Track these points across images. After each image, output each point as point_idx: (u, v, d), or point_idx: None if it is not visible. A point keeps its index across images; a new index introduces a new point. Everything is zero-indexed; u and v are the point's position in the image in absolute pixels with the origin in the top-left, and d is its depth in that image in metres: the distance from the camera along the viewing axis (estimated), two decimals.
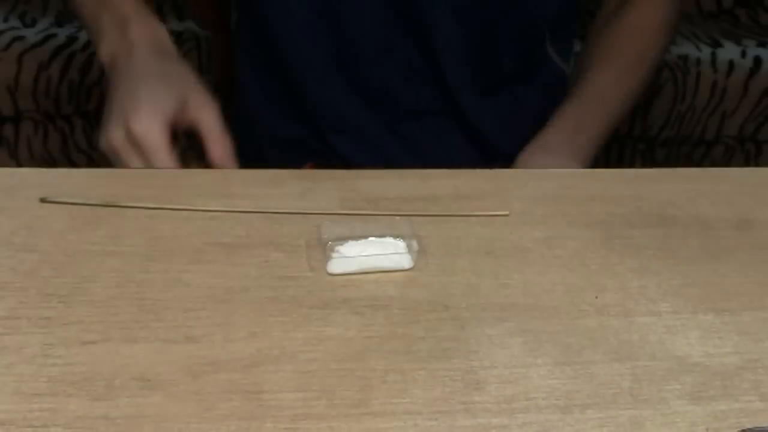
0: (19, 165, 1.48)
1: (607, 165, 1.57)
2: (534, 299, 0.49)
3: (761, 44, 1.53)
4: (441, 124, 0.81)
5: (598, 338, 0.47)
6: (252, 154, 0.80)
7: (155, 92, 0.63)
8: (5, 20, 1.43)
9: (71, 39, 1.40)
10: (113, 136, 0.61)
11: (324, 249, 0.51)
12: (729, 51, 1.51)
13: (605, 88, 0.80)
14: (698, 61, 1.49)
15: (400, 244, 0.51)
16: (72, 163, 1.49)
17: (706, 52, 1.50)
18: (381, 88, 0.79)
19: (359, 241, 0.51)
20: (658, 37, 0.84)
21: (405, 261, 0.51)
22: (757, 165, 1.59)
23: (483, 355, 0.45)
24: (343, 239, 0.51)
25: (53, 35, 1.40)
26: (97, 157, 1.50)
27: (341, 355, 0.44)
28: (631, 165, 1.58)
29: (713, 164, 1.59)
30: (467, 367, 0.44)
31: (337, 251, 0.51)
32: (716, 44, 1.53)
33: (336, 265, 0.50)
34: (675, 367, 0.45)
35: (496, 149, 0.82)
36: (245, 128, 0.88)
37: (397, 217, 0.55)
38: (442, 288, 0.50)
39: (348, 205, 0.56)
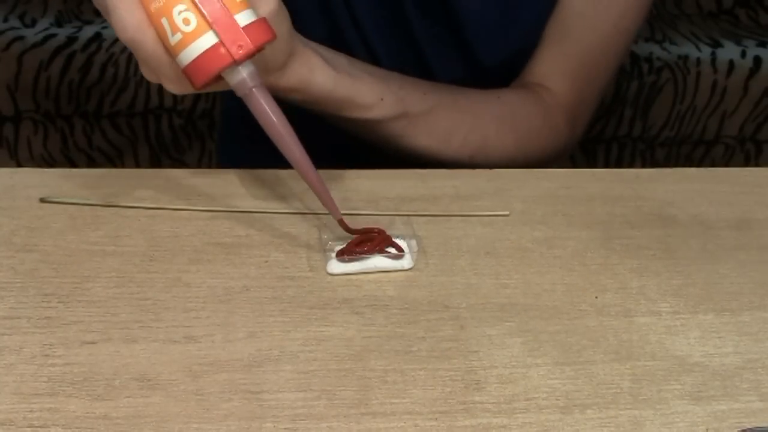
0: (19, 165, 1.48)
1: (607, 165, 1.57)
2: (534, 299, 0.49)
3: (761, 44, 1.53)
4: None
5: (598, 338, 0.47)
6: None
7: None
8: (5, 20, 1.43)
9: (71, 39, 1.40)
10: None
11: (324, 249, 0.51)
12: (729, 51, 1.51)
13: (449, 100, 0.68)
14: (698, 61, 1.49)
15: (399, 244, 0.51)
16: (72, 163, 1.49)
17: (706, 52, 1.50)
18: None
19: None
20: (524, 134, 0.70)
21: (405, 261, 0.51)
22: (757, 165, 1.59)
23: (483, 355, 0.45)
24: (343, 239, 0.51)
25: (53, 35, 1.40)
26: (97, 157, 1.50)
27: (341, 355, 0.44)
28: (631, 165, 1.58)
29: (713, 164, 1.59)
30: (467, 367, 0.44)
31: (337, 251, 0.50)
32: (716, 44, 1.53)
33: (336, 266, 0.50)
34: (675, 367, 0.45)
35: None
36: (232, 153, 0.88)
37: (397, 217, 0.55)
38: (442, 288, 0.50)
39: (348, 205, 0.56)
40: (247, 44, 0.45)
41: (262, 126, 0.49)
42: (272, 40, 0.47)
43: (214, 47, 0.45)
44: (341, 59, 0.60)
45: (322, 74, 0.56)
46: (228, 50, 0.45)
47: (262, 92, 0.48)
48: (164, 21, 0.45)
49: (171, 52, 0.46)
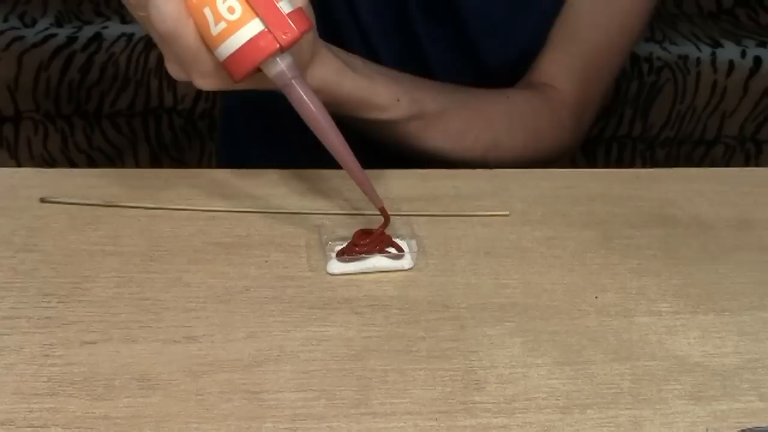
0: (19, 165, 1.48)
1: (607, 165, 1.57)
2: (534, 299, 0.49)
3: (761, 44, 1.53)
4: None
5: (598, 338, 0.47)
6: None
7: None
8: (5, 20, 1.42)
9: (71, 39, 1.39)
10: None
11: (324, 249, 0.51)
12: (729, 51, 1.51)
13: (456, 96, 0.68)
14: (698, 61, 1.49)
15: (399, 244, 0.51)
16: (72, 163, 1.49)
17: (706, 52, 1.50)
18: None
19: None
20: (530, 133, 0.71)
21: (405, 261, 0.51)
22: (757, 165, 1.59)
23: (483, 355, 0.45)
24: (343, 239, 0.51)
25: (53, 35, 1.40)
26: (97, 157, 1.50)
27: (341, 355, 0.44)
28: (631, 165, 1.58)
29: (713, 164, 1.59)
30: (467, 367, 0.44)
31: (337, 251, 0.50)
32: (716, 44, 1.52)
33: (336, 266, 0.50)
34: (675, 367, 0.45)
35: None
36: (233, 152, 0.88)
37: (397, 217, 0.55)
38: (442, 288, 0.50)
39: (348, 205, 0.56)
40: (293, 31, 0.45)
41: (302, 117, 0.48)
42: (310, 30, 0.47)
43: (260, 35, 0.45)
44: (357, 61, 0.60)
45: (342, 76, 0.57)
46: (275, 37, 0.45)
47: (301, 83, 0.48)
48: (207, 10, 0.45)
49: (210, 45, 0.46)
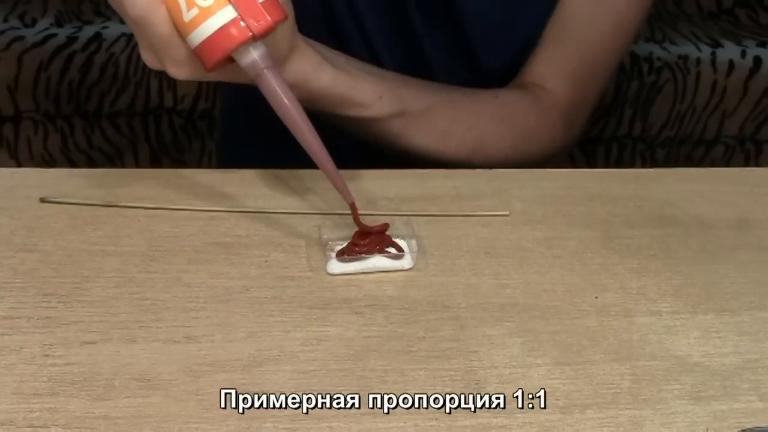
0: (19, 165, 1.48)
1: (607, 165, 1.57)
2: (534, 299, 0.49)
3: (761, 44, 1.53)
4: None
5: (598, 338, 0.47)
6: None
7: None
8: (5, 20, 1.42)
9: (71, 39, 1.39)
10: None
11: (324, 249, 0.51)
12: (729, 51, 1.51)
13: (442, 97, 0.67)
14: (698, 61, 1.49)
15: (399, 244, 0.51)
16: (72, 163, 1.49)
17: (706, 52, 1.50)
18: None
19: None
20: (521, 133, 0.70)
21: (405, 261, 0.51)
22: (757, 165, 1.59)
23: (483, 355, 0.45)
24: (343, 239, 0.51)
25: (53, 35, 1.40)
26: (97, 157, 1.50)
27: (341, 355, 0.44)
28: (631, 165, 1.58)
29: (713, 164, 1.59)
30: (467, 367, 0.44)
31: (337, 251, 0.50)
32: (716, 44, 1.52)
33: (336, 266, 0.50)
34: (675, 367, 0.45)
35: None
36: (232, 152, 0.88)
37: (397, 217, 0.55)
38: (442, 288, 0.50)
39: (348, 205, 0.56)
40: (265, 19, 0.45)
41: (273, 108, 0.48)
42: (284, 20, 0.47)
43: (231, 22, 0.45)
44: (340, 58, 0.60)
45: (322, 71, 0.56)
46: (247, 24, 0.45)
47: (274, 73, 0.47)
48: None
49: (182, 31, 0.46)
